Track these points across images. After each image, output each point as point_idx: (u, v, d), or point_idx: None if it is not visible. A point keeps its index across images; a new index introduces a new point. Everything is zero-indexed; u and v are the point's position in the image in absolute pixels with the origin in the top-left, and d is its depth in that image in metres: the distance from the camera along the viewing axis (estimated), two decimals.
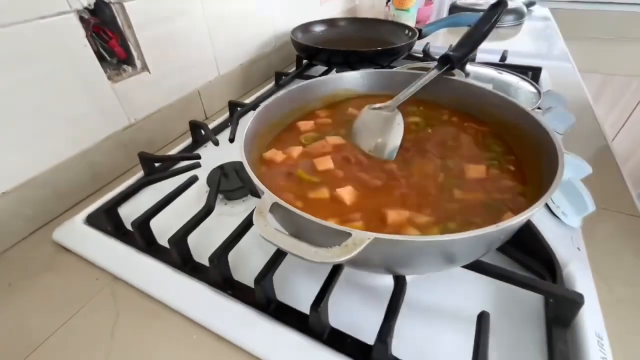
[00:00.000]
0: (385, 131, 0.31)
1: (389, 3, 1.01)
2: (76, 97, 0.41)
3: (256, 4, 0.68)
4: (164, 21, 0.49)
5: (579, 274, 0.29)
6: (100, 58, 0.43)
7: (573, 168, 0.37)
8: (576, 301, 0.25)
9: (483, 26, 0.40)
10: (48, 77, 0.37)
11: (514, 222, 0.18)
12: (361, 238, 0.17)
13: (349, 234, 0.18)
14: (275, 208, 0.20)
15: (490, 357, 0.22)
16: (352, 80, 0.39)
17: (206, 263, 0.32)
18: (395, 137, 0.30)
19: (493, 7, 0.40)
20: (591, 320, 0.26)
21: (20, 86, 0.35)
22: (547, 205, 0.34)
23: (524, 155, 0.29)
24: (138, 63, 0.48)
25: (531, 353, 0.26)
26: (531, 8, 1.23)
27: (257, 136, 0.32)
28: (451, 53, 0.36)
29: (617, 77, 1.32)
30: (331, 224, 0.18)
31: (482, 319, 0.23)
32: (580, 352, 0.24)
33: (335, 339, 0.26)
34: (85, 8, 0.40)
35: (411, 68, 0.44)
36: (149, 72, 0.49)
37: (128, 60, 0.47)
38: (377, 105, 0.33)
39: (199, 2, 0.54)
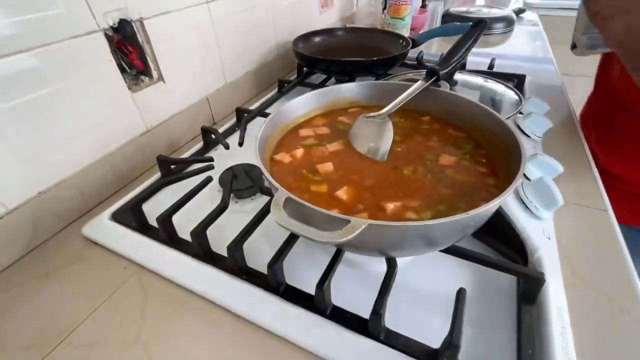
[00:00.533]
0: (378, 137, 0.35)
1: (385, 11, 1.06)
2: (102, 106, 0.45)
3: (259, 16, 0.72)
4: (178, 35, 0.54)
5: (547, 259, 0.34)
6: (122, 70, 0.48)
7: (546, 168, 0.42)
8: (539, 279, 0.29)
9: (465, 42, 0.45)
10: (78, 89, 0.42)
11: (482, 209, 0.23)
12: (358, 224, 0.22)
13: (348, 221, 0.22)
14: (288, 201, 0.25)
15: (467, 327, 0.27)
16: (350, 90, 0.44)
17: (222, 253, 0.36)
18: (386, 141, 0.35)
19: (474, 25, 0.45)
20: (554, 297, 0.31)
21: (57, 96, 0.40)
22: (521, 200, 0.39)
23: (497, 156, 0.34)
24: (155, 74, 0.52)
25: (503, 324, 0.30)
26: (521, 15, 1.29)
27: (266, 142, 0.36)
28: (437, 67, 0.41)
29: None
30: (334, 212, 0.23)
31: (460, 294, 0.28)
32: (544, 323, 0.29)
33: (337, 314, 0.31)
34: (111, 27, 0.44)
35: (404, 79, 0.48)
36: (164, 82, 0.54)
37: (146, 71, 0.52)
38: (371, 114, 0.38)
39: (209, 17, 0.59)
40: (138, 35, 0.48)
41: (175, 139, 0.59)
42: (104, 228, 0.41)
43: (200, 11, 0.57)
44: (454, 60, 0.44)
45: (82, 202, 0.46)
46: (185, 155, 0.54)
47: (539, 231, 0.37)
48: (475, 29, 0.44)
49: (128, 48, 0.49)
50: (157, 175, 0.49)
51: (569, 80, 1.42)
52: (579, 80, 1.41)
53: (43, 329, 0.33)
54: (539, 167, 0.42)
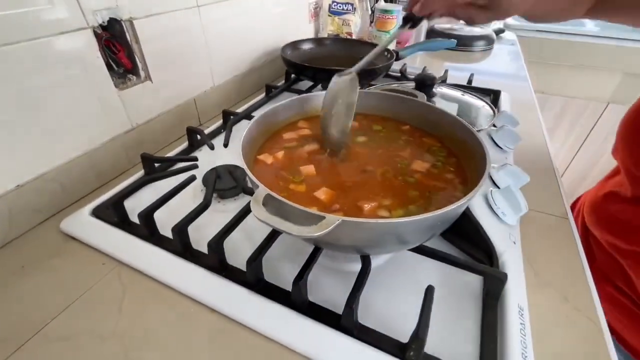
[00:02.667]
0: (347, 93, 0.39)
1: (372, 24, 1.10)
2: (88, 102, 0.46)
3: (250, 23, 0.74)
4: (167, 37, 0.55)
5: (512, 262, 0.36)
6: (109, 68, 0.48)
7: (514, 177, 0.45)
8: (501, 279, 0.31)
9: None
10: (65, 84, 0.42)
11: (448, 209, 0.25)
12: (332, 220, 0.23)
13: (323, 217, 0.24)
14: (267, 198, 0.26)
15: (435, 323, 0.29)
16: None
17: (203, 250, 0.37)
18: (352, 96, 0.38)
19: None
20: (516, 296, 0.33)
21: (42, 90, 0.40)
22: (490, 207, 0.41)
23: (467, 163, 0.36)
24: (142, 73, 0.53)
25: (468, 321, 0.32)
26: (501, 35, 1.36)
27: (251, 142, 0.38)
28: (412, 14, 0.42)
29: (576, 99, 1.46)
30: (310, 209, 0.24)
31: (429, 291, 0.30)
32: (505, 319, 0.31)
33: (312, 310, 0.32)
34: (100, 25, 0.45)
35: (387, 89, 0.51)
36: (151, 82, 0.54)
37: (133, 70, 0.52)
38: (344, 71, 0.41)
39: (199, 21, 0.60)
40: (127, 35, 0.49)
41: (160, 138, 0.59)
42: (83, 223, 0.41)
43: (191, 14, 0.58)
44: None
45: (63, 196, 0.45)
46: (170, 154, 0.54)
47: (506, 236, 0.39)
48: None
49: (116, 46, 0.49)
50: (140, 173, 0.50)
51: (543, 98, 1.50)
52: (553, 99, 1.49)
53: (16, 322, 0.32)
54: (508, 176, 0.45)
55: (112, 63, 0.49)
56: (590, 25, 1.48)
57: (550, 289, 0.36)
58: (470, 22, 0.42)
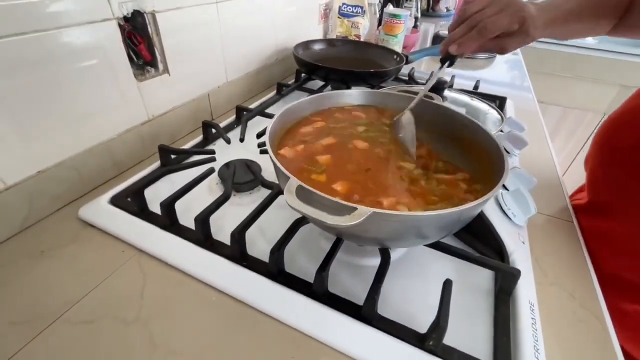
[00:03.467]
0: (405, 128, 0.42)
1: (379, 27, 1.12)
2: (109, 92, 0.46)
3: (263, 20, 0.75)
4: (186, 31, 0.55)
5: (521, 260, 0.38)
6: (129, 59, 0.49)
7: (523, 180, 0.46)
8: (514, 275, 0.33)
9: None
10: (87, 73, 0.43)
11: (468, 206, 0.26)
12: (364, 211, 0.24)
13: (355, 208, 0.25)
14: (299, 190, 0.27)
15: (451, 315, 0.30)
16: (351, 96, 0.47)
17: (222, 241, 0.38)
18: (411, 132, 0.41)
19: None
20: (526, 293, 0.34)
21: (65, 78, 0.40)
22: (501, 208, 0.43)
23: (484, 165, 0.38)
24: (161, 66, 0.54)
25: (482, 315, 0.33)
26: None
27: (273, 136, 0.39)
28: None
29: (575, 110, 1.49)
30: (343, 201, 0.25)
31: (446, 285, 0.31)
32: (517, 314, 0.32)
33: (333, 300, 0.33)
34: (124, 16, 0.46)
35: (401, 90, 0.52)
36: (169, 75, 0.55)
37: (152, 62, 0.53)
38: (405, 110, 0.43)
39: (217, 16, 0.61)
40: (149, 27, 0.49)
41: (175, 131, 0.60)
42: (102, 211, 0.42)
43: (209, 9, 0.59)
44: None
45: (80, 184, 0.46)
46: (185, 147, 0.55)
47: (515, 236, 0.41)
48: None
49: (137, 38, 0.50)
50: (156, 164, 0.50)
51: (542, 107, 1.54)
52: (552, 108, 1.52)
53: (38, 306, 0.33)
54: (517, 179, 0.46)
55: (132, 55, 0.50)
56: (589, 38, 1.52)
57: (558, 288, 0.38)
58: (501, 52, 0.46)
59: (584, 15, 0.47)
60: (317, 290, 0.33)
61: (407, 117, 0.43)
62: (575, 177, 1.66)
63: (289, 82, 0.78)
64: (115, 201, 0.43)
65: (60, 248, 0.39)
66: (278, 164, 0.30)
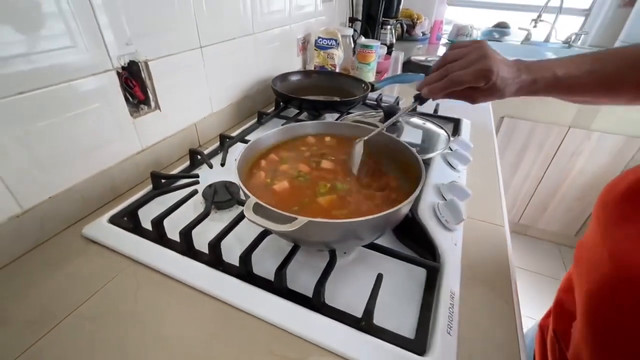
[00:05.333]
0: (354, 154, 0.49)
1: (354, 56, 1.23)
2: (110, 129, 0.55)
3: (245, 57, 0.85)
4: (175, 73, 0.65)
5: (451, 259, 0.46)
6: (126, 100, 0.58)
7: (459, 192, 0.55)
8: (437, 269, 0.41)
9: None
10: (93, 114, 0.52)
11: (388, 211, 0.34)
12: (301, 220, 0.33)
13: (295, 218, 0.33)
14: (257, 206, 0.35)
15: (388, 301, 0.38)
16: (311, 127, 0.56)
17: (203, 250, 0.46)
18: (357, 158, 0.49)
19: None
20: (450, 283, 0.42)
21: (76, 119, 0.49)
22: (437, 215, 0.51)
23: (412, 178, 0.46)
24: (153, 103, 0.63)
25: (412, 302, 0.41)
26: None
27: (244, 162, 0.47)
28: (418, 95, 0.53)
29: (540, 124, 1.61)
30: (284, 212, 0.34)
31: (378, 278, 0.39)
32: (439, 300, 0.40)
33: (290, 294, 0.41)
34: (122, 66, 0.55)
35: (353, 120, 0.61)
36: (160, 110, 0.64)
37: (145, 101, 0.62)
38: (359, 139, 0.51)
39: (201, 58, 0.71)
40: (142, 73, 0.59)
41: (165, 158, 0.68)
42: (102, 229, 0.50)
43: (195, 54, 0.69)
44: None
45: (83, 207, 0.54)
46: (174, 172, 0.63)
47: (449, 239, 0.49)
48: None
49: (133, 82, 0.59)
50: (148, 187, 0.58)
51: (513, 122, 1.65)
52: (523, 123, 1.63)
53: (51, 305, 0.40)
54: (453, 191, 0.55)
55: (128, 96, 0.59)
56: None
57: (480, 281, 0.46)
58: (471, 102, 0.48)
59: (594, 89, 0.43)
60: (277, 286, 0.40)
61: (359, 146, 0.50)
62: (542, 197, 1.76)
63: (269, 111, 0.88)
64: (114, 220, 0.51)
65: (68, 261, 0.46)
66: (242, 187, 0.38)
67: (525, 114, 1.63)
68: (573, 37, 1.92)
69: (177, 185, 0.57)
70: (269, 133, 0.52)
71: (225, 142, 0.71)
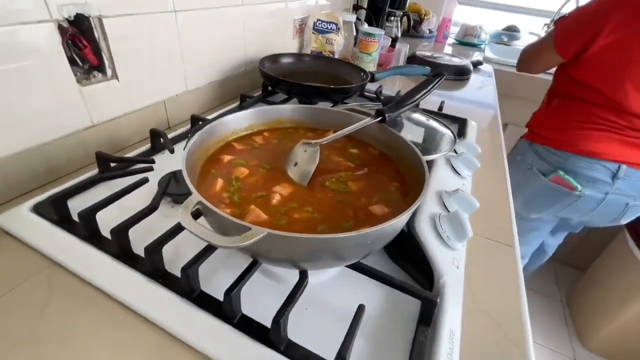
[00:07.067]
0: (307, 162, 0.38)
1: (355, 45, 1.13)
2: (43, 95, 0.44)
3: (231, 33, 0.75)
4: (139, 38, 0.55)
5: (452, 285, 0.37)
6: (73, 63, 0.48)
7: (464, 203, 0.46)
8: (433, 302, 0.32)
9: (421, 90, 0.49)
10: (20, 74, 0.41)
11: (369, 230, 0.25)
12: (257, 232, 0.23)
13: (249, 228, 0.24)
14: (203, 207, 0.26)
15: (367, 342, 0.29)
16: (290, 111, 0.46)
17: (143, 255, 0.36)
18: (311, 167, 0.37)
19: (434, 75, 0.49)
20: (449, 320, 0.33)
21: None
22: (437, 230, 0.42)
23: (412, 183, 0.37)
24: (109, 71, 0.52)
25: (400, 342, 0.32)
26: (479, 67, 1.42)
27: (199, 150, 0.38)
28: (386, 110, 0.44)
29: None
30: (233, 218, 0.24)
31: (359, 310, 0.30)
32: (436, 342, 0.31)
33: (244, 323, 0.31)
34: (66, 19, 0.45)
35: (347, 108, 0.52)
36: (118, 80, 0.54)
37: (100, 67, 0.52)
38: (309, 141, 0.40)
39: (175, 25, 0.60)
40: (95, 32, 0.49)
41: (123, 138, 0.58)
42: (21, 219, 0.40)
43: (167, 18, 0.58)
44: (405, 104, 0.48)
45: (5, 190, 0.44)
46: (132, 154, 0.53)
47: (449, 260, 0.40)
48: (433, 79, 0.49)
49: (83, 42, 0.49)
50: (94, 171, 0.48)
51: (516, 131, 1.57)
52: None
53: None
54: (458, 202, 0.46)
55: (77, 58, 0.49)
56: None
57: (485, 315, 0.37)
58: None
59: None
60: (226, 313, 0.31)
61: (311, 150, 0.39)
62: None
63: (255, 94, 0.78)
64: (39, 209, 0.41)
65: None
66: (187, 178, 0.29)
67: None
68: None
69: (127, 171, 0.46)
70: (235, 116, 0.42)
71: (197, 124, 0.61)
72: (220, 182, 0.35)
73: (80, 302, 0.33)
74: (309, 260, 0.29)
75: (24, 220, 0.40)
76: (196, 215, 0.30)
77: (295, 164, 0.37)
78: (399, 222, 0.27)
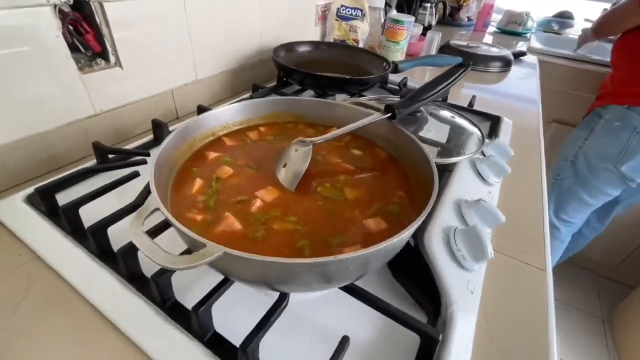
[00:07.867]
0: (296, 161, 0.33)
1: (382, 33, 1.06)
2: (43, 82, 0.43)
3: (245, 19, 0.71)
4: (145, 23, 0.52)
5: (463, 315, 0.31)
6: (75, 49, 0.46)
7: (486, 216, 0.40)
8: (434, 340, 0.27)
9: (442, 82, 0.42)
10: (18, 60, 0.40)
11: (349, 256, 0.20)
12: (213, 250, 0.20)
13: (204, 245, 0.20)
14: (156, 214, 0.22)
15: None
16: (288, 105, 0.42)
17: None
18: (299, 168, 0.33)
19: (457, 66, 0.43)
20: (455, 357, 0.28)
21: None
22: (450, 246, 0.36)
23: (420, 194, 0.32)
24: (112, 58, 0.51)
25: None
26: (521, 58, 1.28)
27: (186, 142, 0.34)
28: (396, 106, 0.38)
29: None
30: (187, 230, 0.20)
31: (342, 343, 0.25)
32: None
33: (216, 342, 0.28)
34: (65, 2, 0.43)
35: (353, 102, 0.46)
36: (122, 68, 0.52)
37: (102, 54, 0.50)
38: (303, 139, 0.35)
39: (183, 11, 0.57)
40: (96, 17, 0.47)
41: (128, 128, 0.57)
42: (13, 209, 0.39)
43: (174, 3, 0.56)
44: (420, 99, 0.42)
45: (5, 177, 0.43)
46: (131, 146, 0.52)
47: (463, 283, 0.34)
48: (456, 70, 0.43)
49: (85, 27, 0.47)
50: (92, 162, 0.47)
51: (561, 130, 1.41)
52: (572, 131, 1.40)
53: None
54: (479, 214, 0.40)
55: (78, 44, 0.47)
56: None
57: (499, 354, 0.31)
58: None
59: None
60: (195, 329, 0.28)
61: (303, 151, 0.34)
62: None
63: (268, 85, 0.74)
64: (31, 199, 0.40)
65: None
66: (152, 177, 0.25)
67: (577, 120, 1.38)
68: None
69: (121, 163, 0.45)
70: (227, 108, 0.38)
71: None
72: (198, 183, 0.31)
73: (55, 301, 0.32)
74: (285, 283, 0.25)
75: (16, 211, 0.39)
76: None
77: (285, 165, 0.33)
78: (392, 245, 0.22)
